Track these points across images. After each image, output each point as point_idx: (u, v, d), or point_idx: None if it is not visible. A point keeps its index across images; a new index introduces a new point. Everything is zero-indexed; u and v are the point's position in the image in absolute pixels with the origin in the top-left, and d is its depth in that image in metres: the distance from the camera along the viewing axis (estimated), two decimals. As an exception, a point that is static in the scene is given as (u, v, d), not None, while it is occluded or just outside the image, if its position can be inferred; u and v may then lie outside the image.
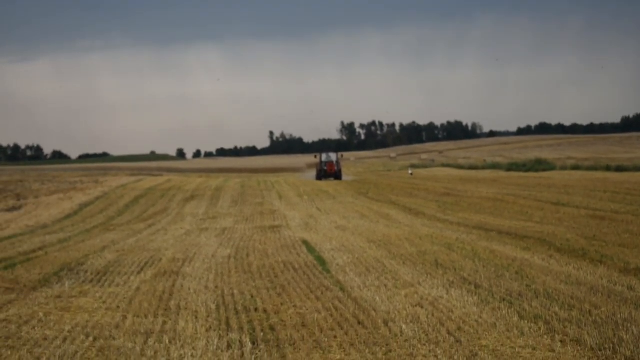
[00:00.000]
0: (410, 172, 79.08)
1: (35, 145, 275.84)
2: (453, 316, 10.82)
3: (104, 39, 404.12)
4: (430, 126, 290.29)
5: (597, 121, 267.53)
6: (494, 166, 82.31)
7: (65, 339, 10.29)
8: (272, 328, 10.63)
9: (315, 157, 70.60)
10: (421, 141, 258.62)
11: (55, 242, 24.12)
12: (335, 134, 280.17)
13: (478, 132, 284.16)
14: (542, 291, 12.30)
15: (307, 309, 11.74)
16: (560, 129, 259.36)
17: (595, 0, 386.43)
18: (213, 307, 12.27)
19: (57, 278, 15.78)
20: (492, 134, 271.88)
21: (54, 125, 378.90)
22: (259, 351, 9.46)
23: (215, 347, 9.71)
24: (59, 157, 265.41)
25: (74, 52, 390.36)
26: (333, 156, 67.90)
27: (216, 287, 14.18)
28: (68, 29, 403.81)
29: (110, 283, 15.06)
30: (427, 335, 9.82)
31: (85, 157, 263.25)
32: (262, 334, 10.31)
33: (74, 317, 11.83)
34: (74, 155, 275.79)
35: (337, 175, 65.59)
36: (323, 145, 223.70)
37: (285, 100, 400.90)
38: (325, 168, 66.21)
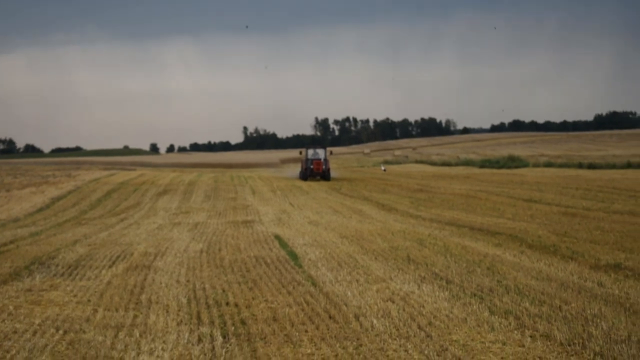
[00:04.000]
0: (383, 168, 79.14)
1: (8, 138, 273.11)
2: (424, 311, 10.86)
3: (79, 32, 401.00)
4: (404, 122, 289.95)
5: (570, 119, 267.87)
6: (467, 163, 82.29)
7: (35, 332, 10.24)
8: (243, 322, 10.62)
9: (301, 152, 59.36)
10: (395, 137, 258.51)
11: (26, 235, 23.98)
12: (309, 130, 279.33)
13: (452, 128, 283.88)
14: (512, 287, 12.38)
15: (279, 304, 11.74)
16: (533, 127, 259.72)
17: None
18: (184, 301, 12.25)
19: (28, 271, 15.68)
20: (465, 130, 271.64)
21: (27, 119, 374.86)
22: (230, 345, 9.46)
23: (186, 340, 9.70)
24: (31, 150, 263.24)
25: (49, 45, 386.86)
26: (321, 152, 57.08)
27: (187, 281, 14.15)
28: (43, 22, 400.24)
29: (82, 277, 14.99)
30: (397, 329, 9.85)
31: (58, 151, 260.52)
32: (233, 328, 10.30)
33: (44, 310, 11.77)
34: (46, 149, 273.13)
35: (325, 175, 54.74)
36: (297, 141, 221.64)
37: (259, 95, 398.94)
38: (312, 166, 54.81)
